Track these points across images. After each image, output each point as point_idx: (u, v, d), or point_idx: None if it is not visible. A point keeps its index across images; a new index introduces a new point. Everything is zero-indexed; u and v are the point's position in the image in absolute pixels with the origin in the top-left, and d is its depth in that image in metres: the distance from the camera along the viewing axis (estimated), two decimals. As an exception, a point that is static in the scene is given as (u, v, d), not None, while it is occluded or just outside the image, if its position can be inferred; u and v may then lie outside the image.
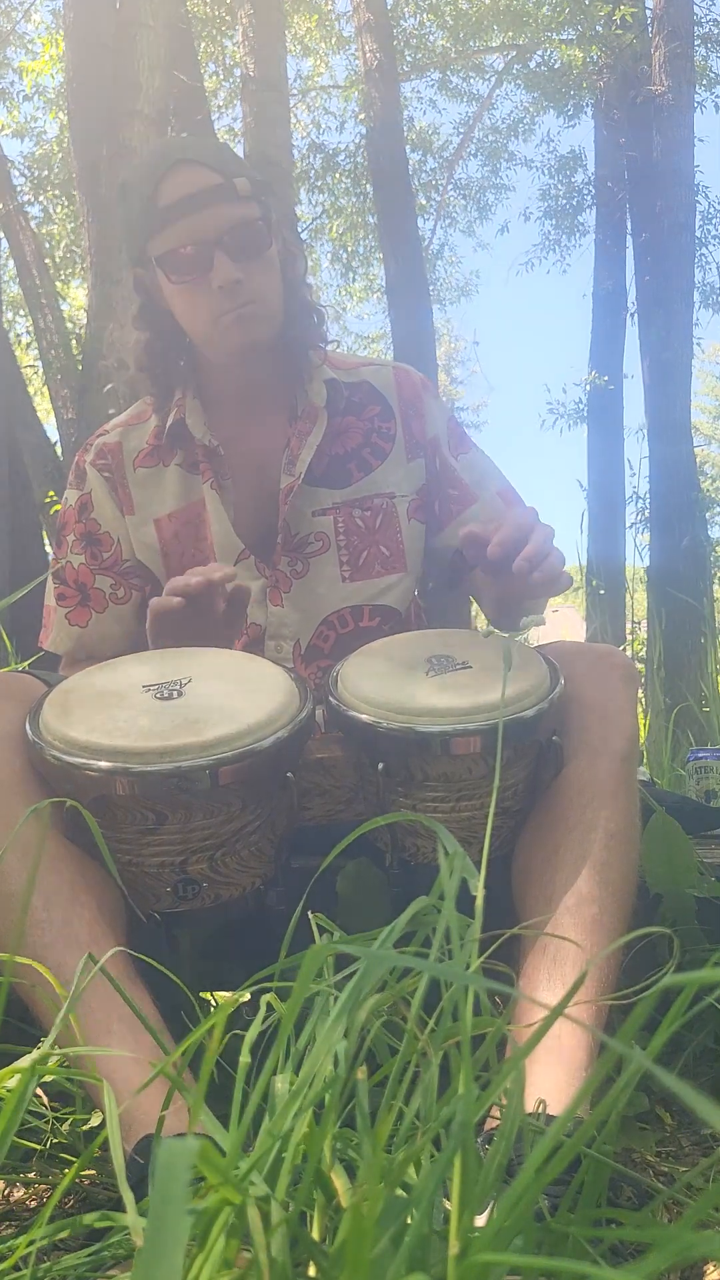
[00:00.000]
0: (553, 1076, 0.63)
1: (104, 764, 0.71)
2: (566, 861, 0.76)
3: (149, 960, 0.66)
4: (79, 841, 0.73)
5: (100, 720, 0.74)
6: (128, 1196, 0.40)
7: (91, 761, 0.71)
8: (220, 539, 1.09)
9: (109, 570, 1.13)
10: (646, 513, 5.97)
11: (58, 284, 7.61)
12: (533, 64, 7.35)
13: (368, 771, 0.80)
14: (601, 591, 5.18)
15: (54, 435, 6.07)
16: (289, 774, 0.77)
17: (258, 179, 1.04)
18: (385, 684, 0.82)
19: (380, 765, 0.78)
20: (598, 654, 0.89)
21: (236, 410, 1.12)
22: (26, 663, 2.45)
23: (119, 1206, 0.43)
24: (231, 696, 0.78)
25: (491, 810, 0.57)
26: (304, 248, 1.15)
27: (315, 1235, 0.39)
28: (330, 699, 0.82)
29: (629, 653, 4.45)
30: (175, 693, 0.78)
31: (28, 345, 7.08)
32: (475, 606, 1.27)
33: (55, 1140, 0.70)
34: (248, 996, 0.49)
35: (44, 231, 7.72)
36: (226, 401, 1.11)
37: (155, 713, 0.75)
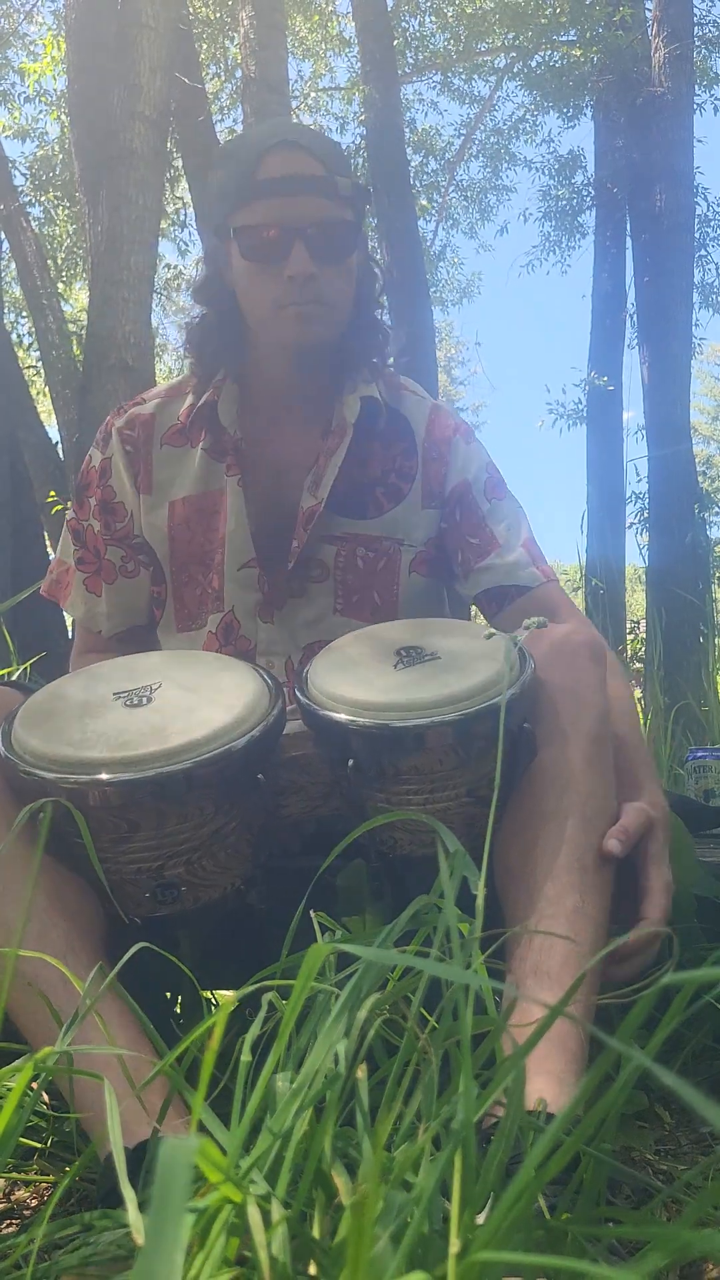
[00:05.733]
0: (547, 1073, 0.63)
1: (74, 776, 0.70)
2: (545, 851, 0.75)
3: (167, 954, 0.66)
4: (53, 853, 0.73)
5: (70, 732, 0.74)
6: (129, 1195, 0.40)
7: (63, 775, 0.70)
8: (233, 539, 1.05)
9: (120, 542, 1.10)
10: (646, 513, 5.97)
11: (59, 285, 7.62)
12: (533, 64, 7.36)
13: (340, 769, 0.79)
14: (601, 591, 5.18)
15: (55, 436, 6.08)
16: (259, 775, 0.76)
17: (359, 185, 1.00)
18: (355, 681, 0.81)
19: (350, 762, 0.77)
20: (561, 634, 0.86)
21: (271, 409, 1.08)
22: (28, 663, 2.46)
23: (111, 1205, 0.43)
24: (200, 700, 0.77)
25: (494, 808, 0.57)
26: (382, 270, 1.10)
27: (316, 1234, 0.39)
28: (301, 698, 0.82)
29: (628, 652, 4.45)
30: (145, 699, 0.78)
31: (29, 346, 7.09)
32: (475, 607, 1.25)
33: (56, 1139, 0.70)
34: (234, 997, 0.49)
35: (46, 233, 7.73)
36: (264, 397, 1.07)
37: (124, 721, 0.75)
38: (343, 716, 0.77)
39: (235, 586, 1.06)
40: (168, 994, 0.83)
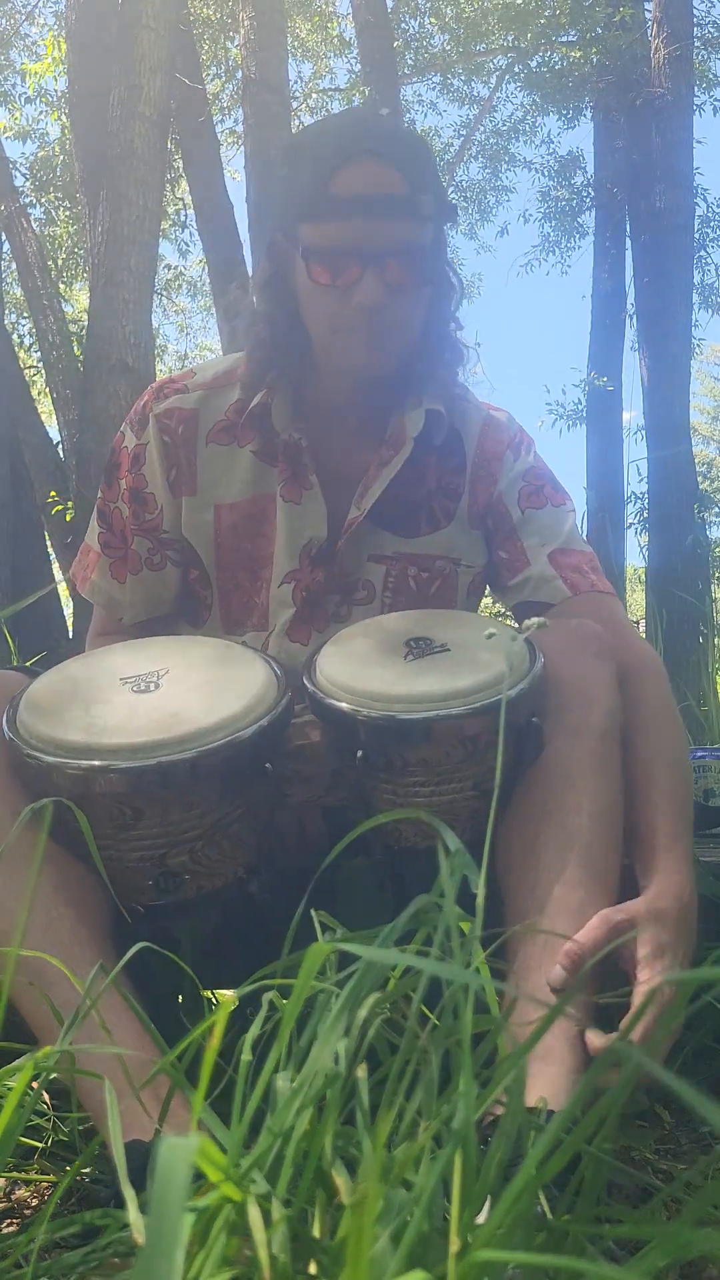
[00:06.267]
0: (548, 1072, 0.63)
1: (80, 762, 0.70)
2: (549, 847, 0.74)
3: (166, 953, 0.66)
4: (58, 841, 0.73)
5: (76, 717, 0.73)
6: (129, 1194, 0.40)
7: (68, 760, 0.70)
8: (283, 548, 0.99)
9: (148, 533, 1.04)
10: (645, 513, 5.96)
11: (60, 286, 7.62)
12: (533, 65, 7.36)
13: (347, 758, 0.79)
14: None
15: (56, 436, 6.08)
16: (267, 764, 0.76)
17: (443, 198, 0.92)
18: (363, 670, 0.81)
19: (359, 753, 0.77)
20: (570, 629, 0.85)
21: (325, 419, 1.02)
22: (29, 663, 2.45)
23: (118, 1204, 0.43)
24: (208, 688, 0.77)
25: (494, 803, 0.57)
26: (460, 280, 1.01)
27: (316, 1233, 0.39)
28: (308, 687, 0.81)
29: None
30: (152, 685, 0.77)
31: (30, 347, 7.09)
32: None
33: (56, 1138, 0.70)
34: (234, 996, 0.49)
35: (46, 233, 7.73)
36: (318, 407, 1.01)
37: (131, 707, 0.74)
38: (350, 706, 0.77)
39: (278, 605, 1.01)
40: (175, 992, 0.83)
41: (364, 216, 0.87)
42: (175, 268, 9.70)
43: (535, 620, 0.77)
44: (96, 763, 0.70)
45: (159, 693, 0.76)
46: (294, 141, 0.96)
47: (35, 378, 7.11)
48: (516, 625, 1.07)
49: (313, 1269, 0.37)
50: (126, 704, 0.75)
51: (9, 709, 0.76)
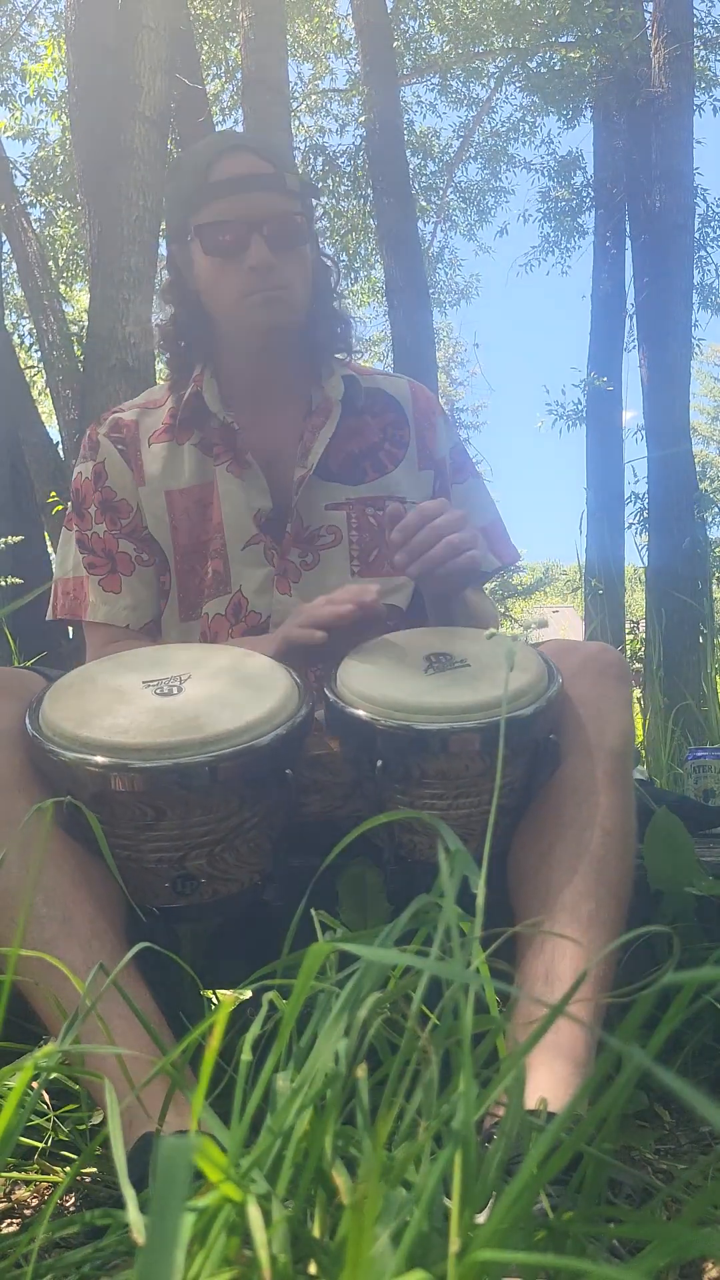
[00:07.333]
0: (551, 1074, 0.63)
1: (103, 760, 0.71)
2: (562, 859, 0.76)
3: (168, 953, 0.66)
4: (79, 837, 0.74)
5: (100, 716, 0.74)
6: (129, 1194, 0.40)
7: (90, 757, 0.71)
8: (232, 521, 1.09)
9: (130, 536, 1.13)
10: (645, 513, 5.96)
11: (60, 286, 7.62)
12: (532, 65, 7.35)
13: (365, 768, 0.80)
14: (600, 591, 5.18)
15: (56, 436, 6.08)
16: (287, 771, 0.77)
17: (306, 181, 1.10)
18: (384, 681, 0.82)
19: (379, 763, 0.78)
20: (590, 652, 0.89)
21: (251, 396, 1.13)
22: (30, 662, 2.46)
23: (120, 1204, 0.43)
24: (231, 693, 0.78)
25: (494, 810, 0.57)
26: (336, 263, 1.23)
27: (316, 1233, 0.39)
28: (329, 696, 0.83)
29: (627, 652, 4.46)
30: (175, 689, 0.78)
31: (30, 347, 7.09)
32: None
33: (57, 1138, 0.70)
34: (249, 994, 0.49)
35: (46, 234, 7.73)
36: (242, 387, 1.13)
37: (155, 709, 0.75)
38: (370, 715, 0.78)
39: (242, 566, 1.09)
40: (175, 990, 0.83)
41: (242, 192, 1.04)
42: (175, 268, 9.67)
43: (490, 632, 0.78)
44: (116, 760, 0.71)
45: (181, 696, 0.77)
46: (173, 165, 1.21)
47: (35, 378, 7.10)
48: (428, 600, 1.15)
49: (313, 1269, 0.37)
50: (149, 706, 0.76)
51: (33, 706, 0.78)
